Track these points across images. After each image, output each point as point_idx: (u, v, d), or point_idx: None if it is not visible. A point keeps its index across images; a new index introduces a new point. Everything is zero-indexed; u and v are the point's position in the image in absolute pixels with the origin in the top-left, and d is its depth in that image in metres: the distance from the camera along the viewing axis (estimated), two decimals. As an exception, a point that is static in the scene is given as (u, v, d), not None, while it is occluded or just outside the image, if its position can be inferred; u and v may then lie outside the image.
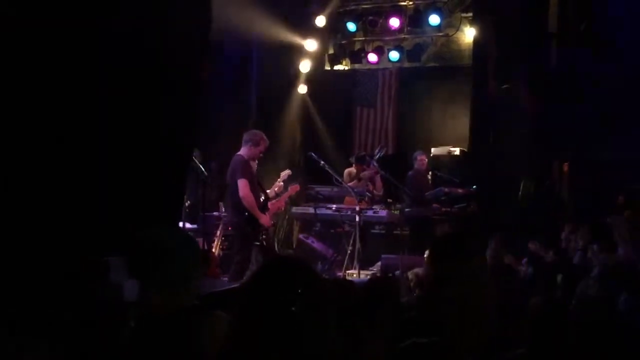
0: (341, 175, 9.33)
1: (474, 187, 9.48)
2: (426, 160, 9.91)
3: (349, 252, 8.45)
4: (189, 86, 5.51)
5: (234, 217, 7.18)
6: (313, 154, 8.56)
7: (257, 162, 7.20)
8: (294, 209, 9.82)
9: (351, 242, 8.45)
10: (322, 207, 9.24)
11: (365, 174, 9.52)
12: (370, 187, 9.51)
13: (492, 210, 8.85)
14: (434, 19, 10.93)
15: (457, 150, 10.57)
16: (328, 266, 8.54)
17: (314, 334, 1.91)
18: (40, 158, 4.26)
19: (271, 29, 10.70)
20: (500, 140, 9.13)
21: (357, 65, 12.17)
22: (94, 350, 3.21)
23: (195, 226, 7.69)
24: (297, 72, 12.03)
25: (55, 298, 3.91)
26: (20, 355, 2.68)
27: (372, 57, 11.67)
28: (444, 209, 9.48)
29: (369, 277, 6.53)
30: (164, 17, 5.10)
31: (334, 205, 9.20)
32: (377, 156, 9.70)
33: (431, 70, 11.59)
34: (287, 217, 10.36)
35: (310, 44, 11.85)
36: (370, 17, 11.47)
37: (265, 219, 6.99)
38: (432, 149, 10.61)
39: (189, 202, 7.83)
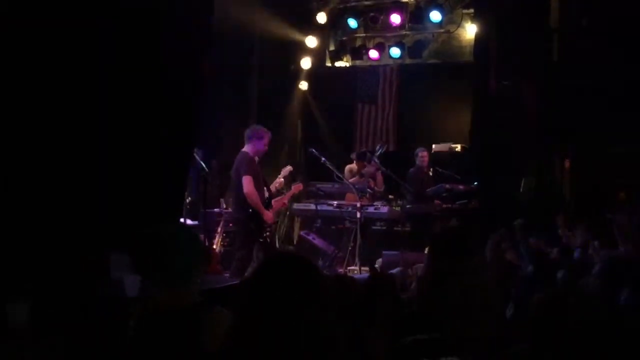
0: (342, 171, 9.32)
1: (475, 183, 9.47)
2: (427, 156, 9.89)
3: (349, 248, 8.45)
4: (190, 83, 5.50)
5: (237, 213, 7.17)
6: (314, 151, 8.55)
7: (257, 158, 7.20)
8: (295, 206, 9.82)
9: (352, 238, 8.45)
10: (323, 203, 9.24)
11: (367, 171, 9.51)
12: (372, 184, 9.50)
13: (494, 206, 8.84)
14: (435, 16, 10.91)
15: (458, 147, 10.55)
16: (329, 263, 8.53)
17: (315, 330, 1.91)
18: (42, 155, 4.26)
19: (272, 26, 10.69)
20: (502, 136, 9.11)
21: (358, 62, 12.16)
22: (95, 347, 3.22)
23: (196, 222, 7.69)
24: (298, 69, 12.03)
25: (58, 294, 3.91)
26: (21, 352, 2.68)
27: (373, 54, 11.66)
28: (445, 206, 9.47)
29: (369, 273, 6.53)
30: (164, 14, 5.10)
31: (335, 202, 9.20)
32: (379, 153, 9.70)
33: (432, 67, 11.57)
34: (287, 213, 10.36)
35: (311, 41, 11.85)
36: (371, 14, 11.46)
37: (268, 216, 6.98)
38: (434, 145, 10.59)
39: (189, 198, 7.83)
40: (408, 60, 11.58)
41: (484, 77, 9.57)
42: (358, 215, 8.40)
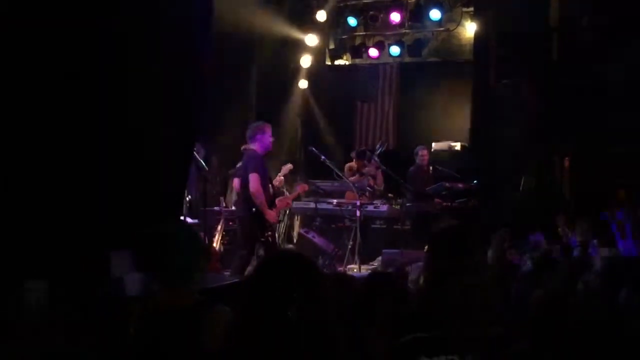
0: (342, 169, 9.32)
1: (475, 182, 9.48)
2: (427, 155, 9.90)
3: (349, 247, 8.45)
4: (190, 82, 5.50)
5: (241, 212, 7.14)
6: (314, 149, 8.54)
7: None
8: (295, 204, 9.82)
9: (352, 237, 8.45)
10: (323, 202, 9.24)
11: (367, 170, 9.52)
12: (371, 182, 9.51)
13: (493, 205, 8.85)
14: (435, 14, 10.91)
15: (458, 145, 10.56)
16: (329, 261, 8.53)
17: (315, 329, 1.92)
18: (42, 154, 4.26)
19: (272, 24, 10.69)
20: (501, 135, 9.12)
21: (357, 60, 12.17)
22: (97, 346, 3.22)
23: (196, 221, 7.69)
24: (298, 67, 12.04)
25: (58, 293, 3.91)
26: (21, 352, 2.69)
27: (373, 52, 11.67)
28: (445, 204, 9.48)
29: (369, 271, 6.53)
30: (164, 12, 5.09)
31: (335, 200, 9.20)
32: (379, 152, 9.71)
33: (432, 65, 11.58)
34: (287, 211, 10.36)
35: (311, 39, 11.85)
36: (371, 12, 11.46)
37: (272, 216, 6.96)
38: (433, 144, 10.60)
39: (189, 197, 7.83)
40: (408, 59, 11.59)
41: (483, 75, 9.58)
42: (358, 213, 8.40)
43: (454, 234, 2.26)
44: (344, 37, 12.13)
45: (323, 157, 8.46)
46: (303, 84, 12.11)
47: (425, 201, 9.35)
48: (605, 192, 7.71)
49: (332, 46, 12.30)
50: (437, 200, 9.50)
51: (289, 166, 7.87)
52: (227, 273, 7.00)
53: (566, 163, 9.40)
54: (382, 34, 11.77)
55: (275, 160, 9.33)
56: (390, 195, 9.63)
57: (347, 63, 12.31)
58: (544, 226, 6.88)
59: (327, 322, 1.97)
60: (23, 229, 4.11)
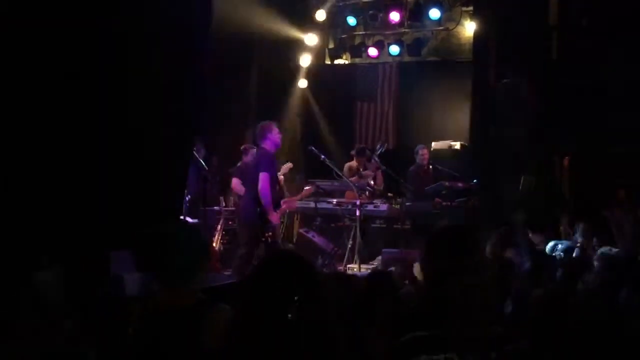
0: (341, 169, 9.32)
1: (475, 181, 9.48)
2: (427, 154, 9.90)
3: (349, 246, 8.45)
4: (190, 82, 5.50)
5: (245, 211, 7.12)
6: (313, 148, 8.54)
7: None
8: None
9: (352, 236, 8.45)
10: (323, 201, 9.24)
11: (367, 174, 9.53)
12: (371, 181, 9.51)
13: (493, 204, 8.84)
14: (434, 13, 10.91)
15: (457, 145, 10.55)
16: (328, 260, 8.53)
17: (315, 329, 1.92)
18: (42, 154, 4.27)
19: (272, 24, 10.69)
20: (501, 134, 9.12)
21: (357, 60, 12.17)
22: (97, 346, 3.22)
23: (195, 220, 7.69)
24: (298, 67, 12.04)
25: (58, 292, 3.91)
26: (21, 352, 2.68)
27: (373, 51, 11.67)
28: (444, 203, 9.47)
29: (369, 271, 6.53)
30: (164, 12, 5.09)
31: (335, 200, 9.19)
32: (379, 152, 9.71)
33: (431, 65, 11.58)
34: (287, 211, 10.35)
35: (311, 38, 11.86)
36: (371, 11, 11.45)
37: (275, 217, 6.94)
38: (433, 143, 10.59)
39: (189, 196, 7.83)
40: (407, 58, 11.59)
41: (483, 75, 9.57)
42: (357, 212, 8.41)
43: (454, 234, 2.25)
44: (343, 36, 12.13)
45: (323, 156, 8.46)
46: (303, 83, 12.11)
47: (425, 200, 9.35)
48: (605, 192, 7.71)
49: (331, 45, 12.30)
50: (437, 199, 9.49)
51: (289, 165, 7.87)
52: (227, 273, 7.00)
53: (566, 163, 9.40)
54: (382, 33, 11.77)
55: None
56: (390, 194, 9.63)
57: (346, 62, 12.31)
58: (544, 226, 6.89)
59: (327, 322, 1.97)
60: (23, 229, 4.11)
